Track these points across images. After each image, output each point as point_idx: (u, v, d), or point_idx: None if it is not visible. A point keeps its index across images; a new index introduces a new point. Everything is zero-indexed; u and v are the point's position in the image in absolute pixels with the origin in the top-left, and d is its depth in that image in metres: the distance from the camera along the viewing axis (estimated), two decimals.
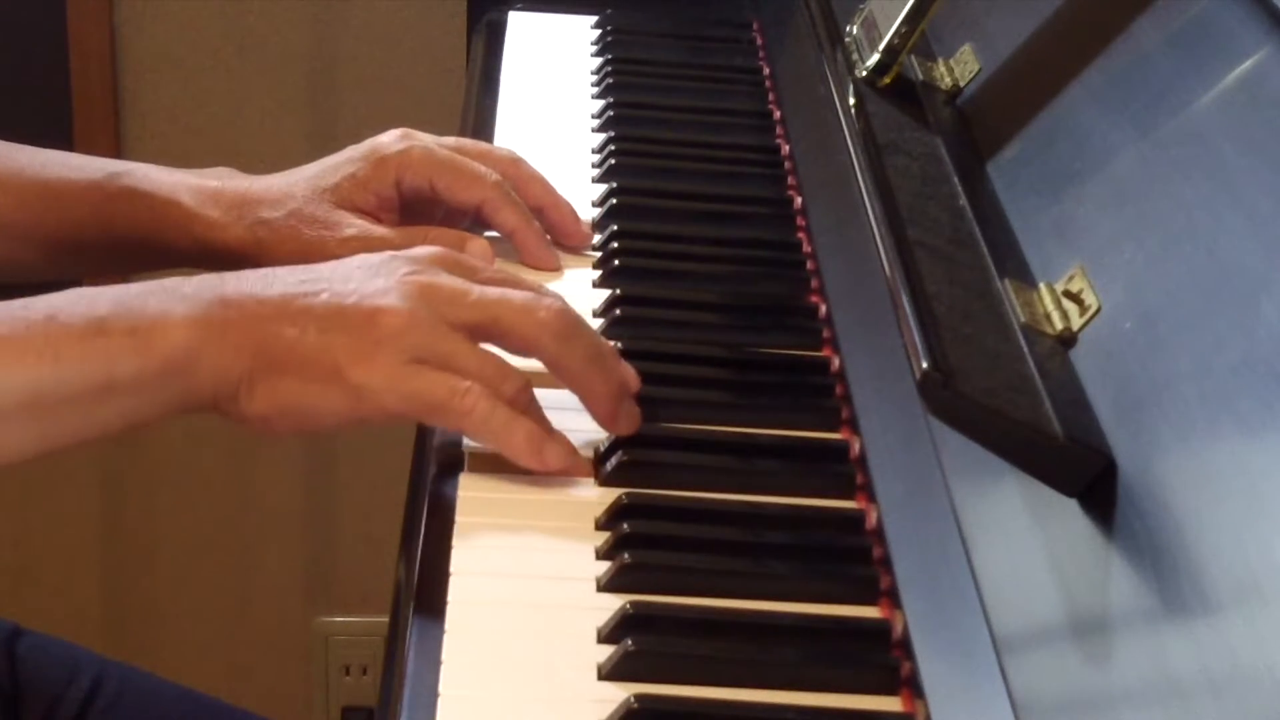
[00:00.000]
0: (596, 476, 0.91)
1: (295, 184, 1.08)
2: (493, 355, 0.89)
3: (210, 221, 1.07)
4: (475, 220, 1.10)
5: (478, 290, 0.89)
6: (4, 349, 0.83)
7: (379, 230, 1.06)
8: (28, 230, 1.10)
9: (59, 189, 1.09)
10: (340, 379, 0.86)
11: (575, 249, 1.12)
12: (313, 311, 0.86)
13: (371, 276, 0.88)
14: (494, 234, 1.09)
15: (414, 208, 1.09)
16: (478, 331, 0.89)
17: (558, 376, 0.91)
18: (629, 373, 0.93)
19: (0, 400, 0.83)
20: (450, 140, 1.11)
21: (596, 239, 1.13)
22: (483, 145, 1.13)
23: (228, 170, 1.11)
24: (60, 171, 1.10)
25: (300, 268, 0.90)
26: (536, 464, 0.89)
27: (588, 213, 1.16)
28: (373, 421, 0.88)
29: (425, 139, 1.10)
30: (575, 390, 0.91)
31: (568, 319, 0.90)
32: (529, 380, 0.89)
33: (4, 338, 0.83)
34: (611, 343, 1.00)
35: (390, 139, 1.09)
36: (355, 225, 1.06)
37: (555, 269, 1.09)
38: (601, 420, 0.91)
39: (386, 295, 0.87)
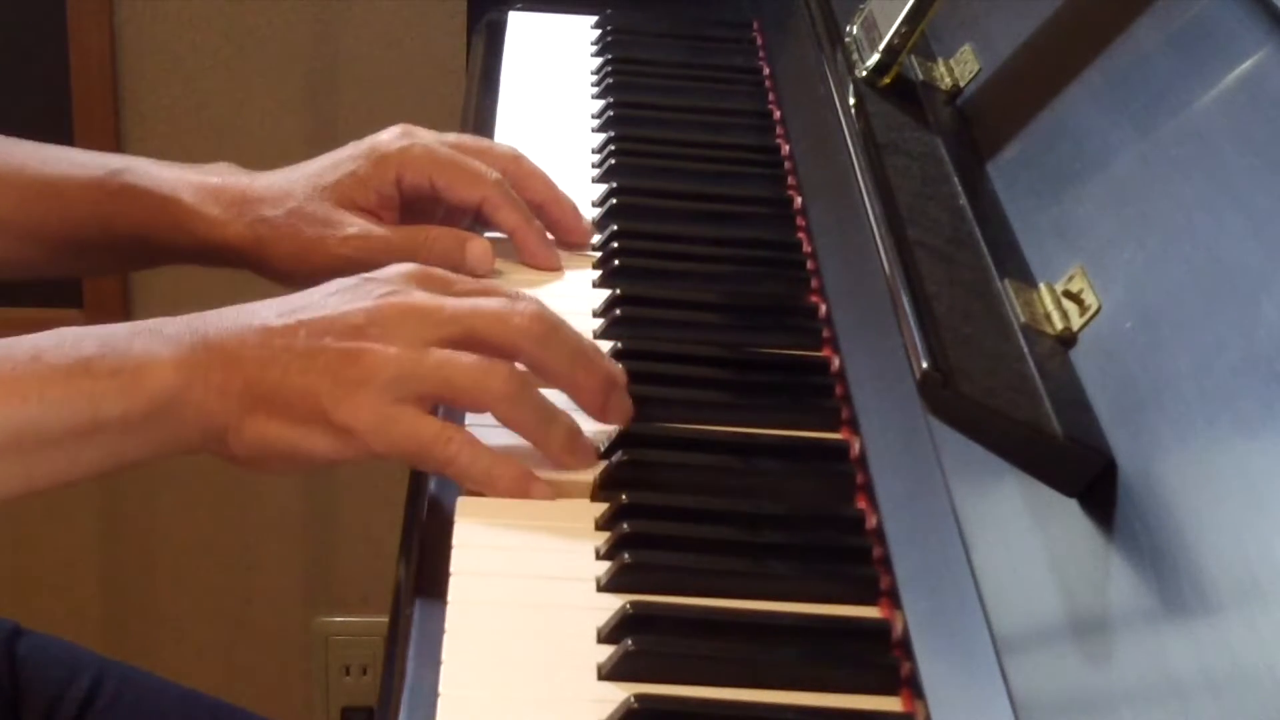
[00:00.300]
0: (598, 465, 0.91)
1: (295, 182, 1.08)
2: (472, 359, 0.87)
3: (210, 219, 1.07)
4: (475, 219, 1.10)
5: (451, 305, 0.89)
6: None
7: (378, 230, 1.06)
8: (30, 228, 1.10)
9: (60, 186, 1.09)
10: (325, 421, 0.86)
11: (577, 246, 1.11)
12: (293, 350, 0.86)
13: (347, 304, 0.88)
14: (496, 234, 1.09)
15: (415, 206, 1.09)
16: (457, 346, 0.88)
17: (543, 378, 0.90)
18: (613, 366, 0.93)
19: None
20: (451, 137, 1.11)
21: (596, 239, 1.13)
22: (483, 142, 1.13)
23: (228, 165, 1.11)
24: (62, 169, 1.10)
25: (278, 301, 0.89)
26: (527, 496, 0.88)
27: (588, 213, 1.16)
28: (362, 461, 0.87)
29: (426, 136, 1.10)
30: (563, 389, 0.91)
31: (544, 321, 0.89)
32: (514, 372, 0.88)
33: None
34: (611, 343, 1.00)
35: (390, 136, 1.09)
36: (355, 224, 1.06)
37: (556, 268, 1.09)
38: (593, 414, 0.92)
39: (365, 330, 0.87)
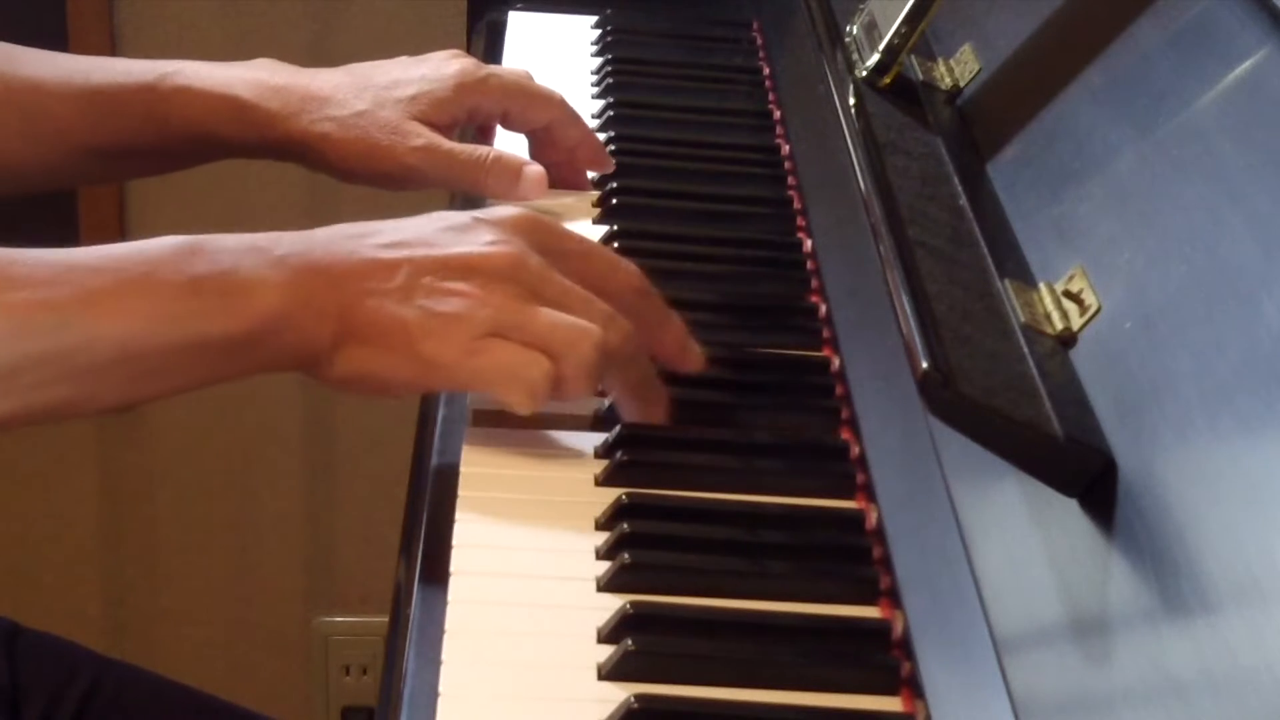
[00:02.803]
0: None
1: (364, 88, 1.13)
2: (564, 321, 0.88)
3: (271, 114, 1.12)
4: (536, 138, 1.17)
5: (559, 283, 0.90)
6: (102, 302, 0.84)
7: (445, 144, 1.12)
8: (84, 138, 1.13)
9: (110, 94, 1.13)
10: (411, 351, 0.87)
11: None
12: (394, 282, 0.88)
13: (455, 244, 0.89)
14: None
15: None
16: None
17: (607, 387, 0.92)
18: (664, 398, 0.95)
19: (95, 353, 0.84)
20: (492, 69, 1.17)
21: (597, 239, 1.13)
22: (527, 71, 1.19)
23: (270, 61, 1.15)
24: (109, 77, 1.13)
25: (389, 227, 0.91)
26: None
27: (588, 213, 1.16)
28: (440, 390, 0.90)
29: (487, 65, 1.16)
30: (618, 402, 0.93)
31: (632, 344, 0.91)
32: (601, 339, 0.88)
33: (102, 291, 0.84)
34: None
35: (465, 66, 1.15)
36: (425, 136, 1.11)
37: (611, 168, 1.18)
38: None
39: (468, 276, 0.88)
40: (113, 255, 0.86)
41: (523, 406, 0.88)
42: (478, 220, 0.91)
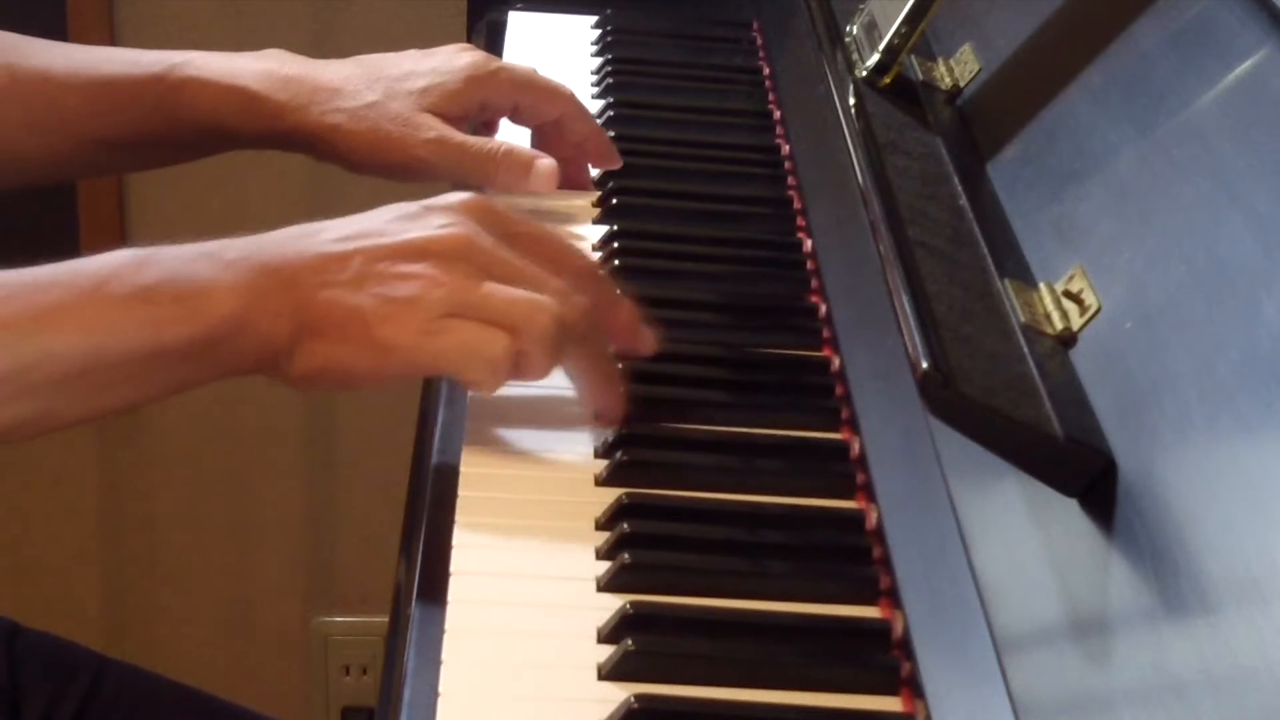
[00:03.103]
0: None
1: (375, 80, 1.13)
2: (520, 296, 0.88)
3: (280, 104, 1.12)
4: (543, 133, 1.17)
5: (513, 260, 0.90)
6: (56, 317, 0.84)
7: (456, 136, 1.12)
8: (92, 128, 1.14)
9: (118, 85, 1.13)
10: (369, 338, 0.87)
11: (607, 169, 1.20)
12: (348, 273, 0.88)
13: (406, 231, 0.89)
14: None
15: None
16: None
17: (565, 366, 0.92)
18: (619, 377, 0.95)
19: (53, 368, 0.84)
20: (502, 62, 1.18)
21: (597, 239, 1.13)
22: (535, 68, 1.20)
23: (278, 52, 1.15)
24: (118, 68, 1.14)
25: (338, 224, 0.91)
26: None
27: (588, 213, 1.16)
28: (402, 377, 0.89)
29: (496, 59, 1.17)
30: (577, 380, 0.93)
31: (588, 318, 0.91)
32: (558, 312, 0.88)
33: (56, 306, 0.84)
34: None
35: (476, 60, 1.15)
36: (435, 128, 1.11)
37: (619, 164, 1.19)
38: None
39: (421, 258, 0.88)
40: (63, 270, 0.86)
41: (486, 384, 0.88)
42: (427, 207, 0.91)
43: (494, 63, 1.16)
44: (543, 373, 0.89)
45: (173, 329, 0.85)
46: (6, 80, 1.13)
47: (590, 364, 0.92)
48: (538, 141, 1.18)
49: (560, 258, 0.92)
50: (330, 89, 1.12)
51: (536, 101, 1.16)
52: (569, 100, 1.17)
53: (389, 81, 1.13)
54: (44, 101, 1.13)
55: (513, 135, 1.19)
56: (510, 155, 1.11)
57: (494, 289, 0.88)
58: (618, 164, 1.18)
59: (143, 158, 1.22)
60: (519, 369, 0.88)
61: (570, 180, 1.17)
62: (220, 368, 0.87)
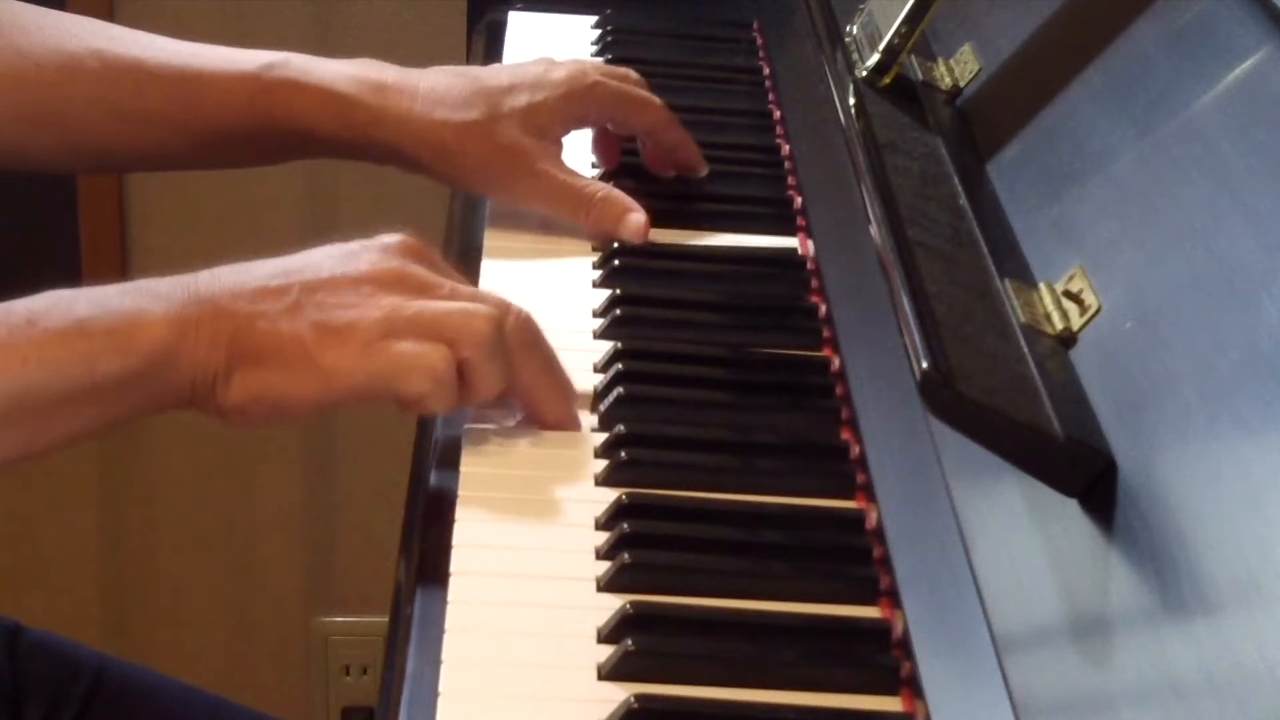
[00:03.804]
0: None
1: (475, 93, 1.12)
2: (455, 307, 0.89)
3: (376, 111, 1.11)
4: (643, 136, 1.19)
5: (448, 284, 0.90)
6: None
7: (561, 173, 1.12)
8: (178, 119, 1.13)
9: (210, 79, 1.13)
10: (311, 363, 0.86)
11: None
12: (284, 304, 0.87)
13: (343, 266, 0.89)
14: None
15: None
16: None
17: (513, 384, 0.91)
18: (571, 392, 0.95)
19: None
20: (599, 63, 1.20)
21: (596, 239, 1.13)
22: (621, 69, 1.20)
23: (371, 61, 1.14)
24: (212, 63, 1.13)
25: (274, 261, 0.90)
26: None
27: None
28: (343, 403, 0.88)
29: (592, 69, 1.17)
30: (520, 396, 0.93)
31: (532, 329, 0.91)
32: (494, 316, 0.89)
33: None
34: (611, 343, 1.00)
35: (575, 72, 1.15)
36: (543, 162, 1.12)
37: (707, 170, 1.20)
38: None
39: (357, 288, 0.88)
40: None
41: (433, 398, 0.87)
42: (364, 246, 0.91)
43: (590, 76, 1.15)
44: (492, 385, 0.89)
45: (106, 361, 0.85)
46: (97, 65, 1.12)
47: (537, 375, 0.92)
48: (597, 136, 1.20)
49: (490, 294, 0.92)
50: (430, 98, 1.11)
51: (630, 115, 1.17)
52: (659, 110, 1.17)
53: (490, 95, 1.12)
54: (134, 89, 1.12)
55: None
56: (606, 201, 1.11)
57: (427, 304, 0.88)
58: (704, 170, 1.19)
59: (227, 155, 1.21)
60: (467, 384, 0.88)
61: (692, 169, 1.20)
62: (155, 400, 0.87)
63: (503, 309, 0.90)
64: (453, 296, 0.90)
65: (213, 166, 1.24)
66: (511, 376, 0.90)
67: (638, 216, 1.11)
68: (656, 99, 1.18)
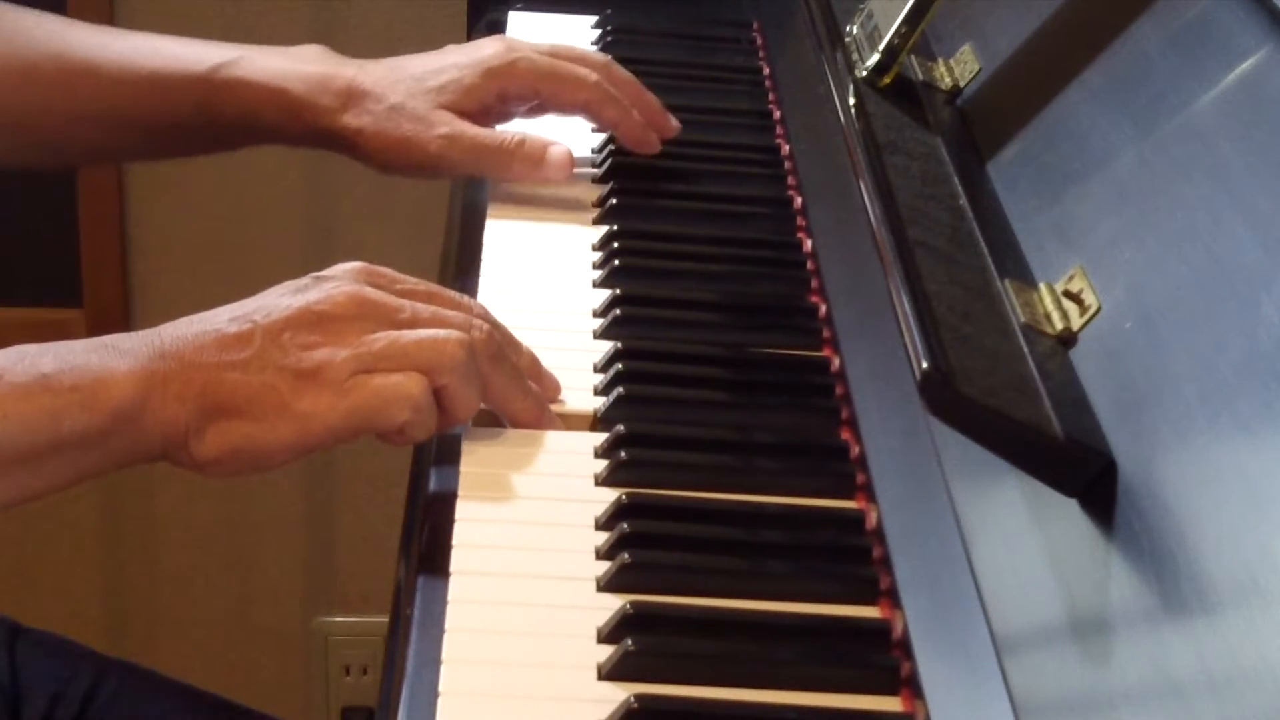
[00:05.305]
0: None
1: (400, 80, 1.15)
2: (424, 334, 0.89)
3: (321, 108, 1.15)
4: (580, 114, 1.19)
5: (408, 306, 0.90)
6: None
7: (469, 131, 1.13)
8: (130, 119, 1.17)
9: (166, 81, 1.16)
10: (287, 412, 0.86)
11: (664, 138, 1.20)
12: (250, 352, 0.87)
13: (300, 302, 0.89)
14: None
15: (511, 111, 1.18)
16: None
17: (484, 396, 0.92)
18: (550, 390, 0.96)
19: None
20: (546, 45, 1.19)
21: (597, 239, 1.13)
22: (577, 49, 1.21)
23: (317, 48, 1.18)
24: (164, 63, 1.17)
25: (233, 306, 0.90)
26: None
27: (588, 214, 1.16)
28: (322, 446, 0.88)
29: (525, 47, 1.17)
30: (495, 406, 0.93)
31: (495, 342, 0.91)
32: (465, 339, 0.89)
33: None
34: (611, 343, 1.00)
35: (496, 51, 1.16)
36: (447, 124, 1.13)
37: (657, 149, 1.19)
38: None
39: (319, 326, 0.88)
40: None
41: (415, 428, 0.87)
42: (316, 278, 0.91)
43: (514, 53, 1.16)
44: (470, 407, 0.89)
45: (71, 417, 0.84)
46: (54, 70, 1.15)
47: (507, 385, 0.92)
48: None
49: (452, 301, 0.93)
50: (361, 92, 1.14)
51: (558, 91, 1.16)
52: (592, 88, 1.16)
53: (410, 81, 1.15)
54: (90, 92, 1.15)
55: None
56: (524, 145, 1.13)
57: (396, 335, 0.88)
58: (655, 148, 1.19)
59: (182, 147, 1.25)
60: (446, 408, 0.88)
61: (637, 144, 1.19)
62: (122, 456, 0.87)
63: (466, 326, 0.90)
64: (415, 321, 0.89)
65: (164, 157, 1.28)
66: (484, 391, 0.90)
67: (558, 150, 1.13)
68: (592, 76, 1.17)
